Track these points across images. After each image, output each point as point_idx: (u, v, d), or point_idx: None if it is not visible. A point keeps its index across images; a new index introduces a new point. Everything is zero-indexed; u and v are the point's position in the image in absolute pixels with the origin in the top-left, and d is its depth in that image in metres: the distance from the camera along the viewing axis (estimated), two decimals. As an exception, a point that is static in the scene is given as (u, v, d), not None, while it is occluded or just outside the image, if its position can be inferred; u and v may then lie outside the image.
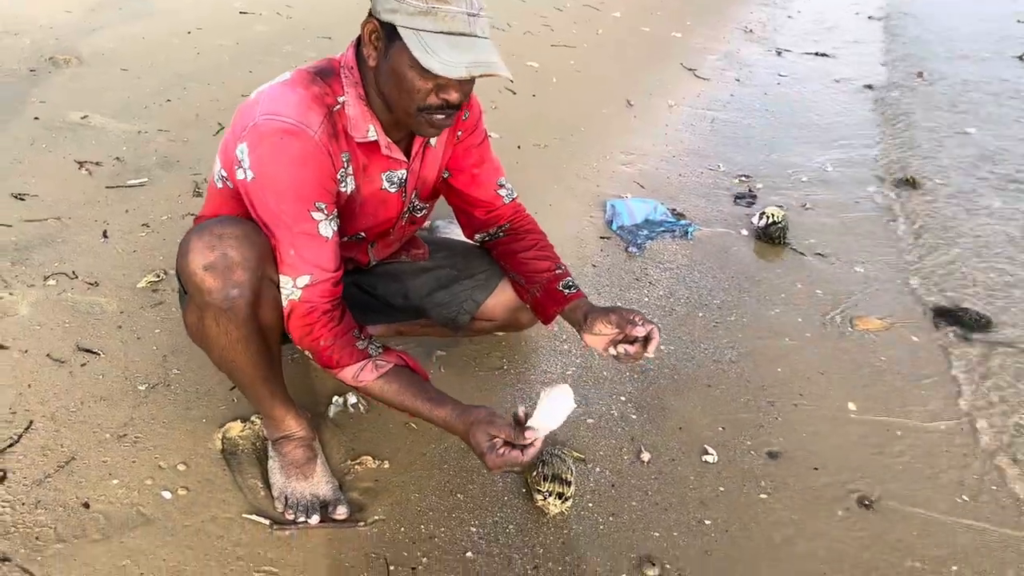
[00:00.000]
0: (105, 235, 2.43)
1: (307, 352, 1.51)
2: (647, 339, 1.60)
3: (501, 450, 1.38)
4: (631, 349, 1.61)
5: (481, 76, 1.37)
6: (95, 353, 1.98)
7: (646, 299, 2.63)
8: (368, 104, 1.50)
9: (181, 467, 1.71)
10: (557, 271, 1.80)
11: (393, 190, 1.65)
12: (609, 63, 5.17)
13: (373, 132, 1.52)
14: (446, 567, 1.60)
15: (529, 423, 1.40)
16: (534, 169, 3.42)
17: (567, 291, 1.76)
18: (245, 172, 1.43)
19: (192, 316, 1.47)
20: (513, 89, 4.22)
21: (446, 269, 1.90)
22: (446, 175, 1.78)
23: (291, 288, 1.45)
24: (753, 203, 3.48)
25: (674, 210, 3.27)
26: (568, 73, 4.78)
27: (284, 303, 1.47)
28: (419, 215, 1.80)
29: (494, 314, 1.92)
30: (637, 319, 1.61)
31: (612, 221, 3.08)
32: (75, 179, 2.74)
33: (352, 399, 1.95)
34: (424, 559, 1.61)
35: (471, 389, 2.09)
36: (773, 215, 3.16)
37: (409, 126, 1.51)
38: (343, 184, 1.53)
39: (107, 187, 2.71)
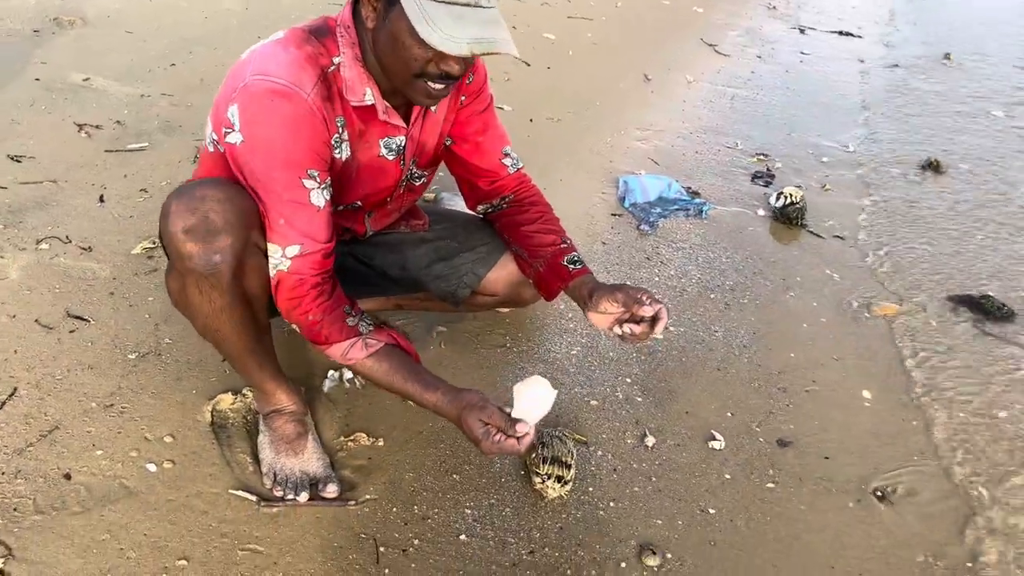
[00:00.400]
0: (101, 199, 2.37)
1: (295, 326, 1.44)
2: (654, 319, 1.52)
3: (497, 436, 1.32)
4: (637, 329, 1.54)
5: (484, 55, 1.29)
6: (85, 320, 1.92)
7: (657, 279, 2.54)
8: (365, 66, 1.42)
9: (168, 439, 1.66)
10: (562, 245, 1.73)
11: (391, 157, 1.57)
12: (627, 36, 5.04)
13: (370, 95, 1.44)
14: (438, 549, 1.54)
15: (515, 415, 1.35)
16: (546, 143, 3.32)
17: (572, 266, 1.69)
18: (235, 135, 1.36)
19: (174, 282, 1.40)
20: (527, 61, 4.11)
21: (446, 241, 1.83)
22: (448, 143, 1.70)
23: (280, 258, 1.38)
24: (771, 183, 3.38)
25: (689, 188, 3.17)
26: (585, 46, 4.66)
27: (272, 273, 1.40)
28: (418, 183, 1.72)
29: (495, 289, 1.84)
30: (644, 298, 1.53)
31: (624, 198, 2.99)
32: (74, 142, 2.67)
33: (348, 374, 1.89)
34: (416, 540, 1.55)
35: (472, 367, 2.03)
36: (791, 195, 3.06)
37: (405, 93, 1.43)
38: (337, 150, 1.45)
39: (106, 151, 2.65)
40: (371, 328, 1.45)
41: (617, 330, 1.57)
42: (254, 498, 1.57)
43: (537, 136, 3.37)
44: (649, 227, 2.82)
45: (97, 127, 2.78)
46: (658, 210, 2.94)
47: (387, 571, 1.48)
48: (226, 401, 1.77)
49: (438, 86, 1.36)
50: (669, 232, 2.84)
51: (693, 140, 3.70)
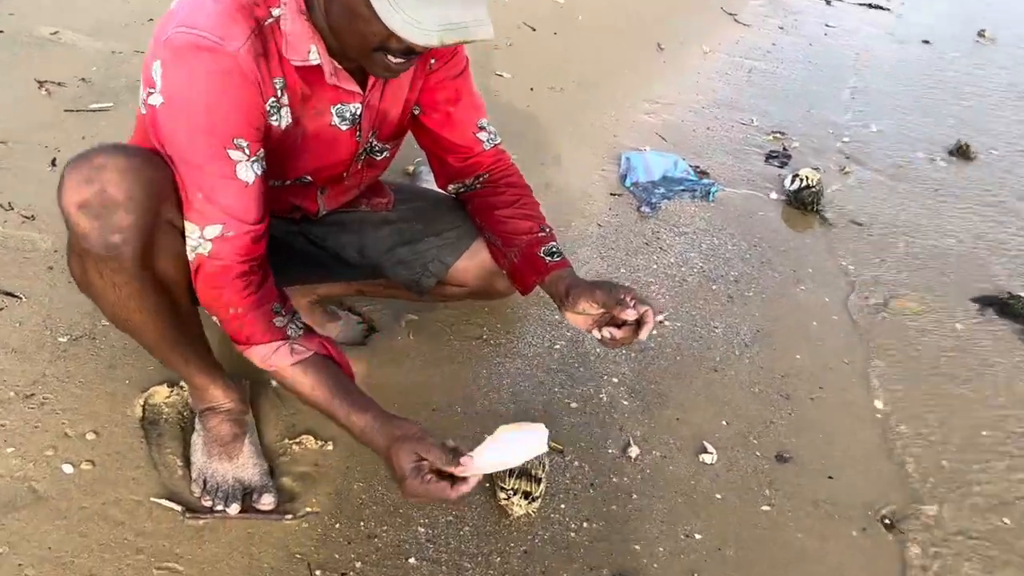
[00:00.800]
0: (53, 163, 2.19)
1: (214, 319, 1.25)
2: (639, 322, 1.33)
3: (428, 476, 1.13)
4: (618, 333, 1.34)
5: (456, 44, 1.09)
6: (16, 296, 1.74)
7: (654, 266, 2.34)
8: (311, 20, 1.21)
9: (90, 436, 1.48)
10: (540, 234, 1.52)
11: (345, 127, 1.37)
12: (642, 2, 4.76)
13: (315, 54, 1.23)
14: (382, 574, 1.36)
15: (472, 453, 1.14)
16: (546, 114, 3.10)
17: (549, 259, 1.48)
18: (156, 96, 1.16)
19: (75, 264, 1.21)
20: (533, 25, 3.86)
21: (411, 223, 1.62)
22: (416, 111, 1.50)
23: (198, 239, 1.19)
24: (786, 163, 3.14)
25: (697, 167, 2.95)
26: (596, 11, 4.39)
27: (191, 256, 1.20)
28: (379, 158, 1.52)
29: (464, 279, 1.64)
30: (628, 298, 1.33)
31: (626, 176, 2.77)
32: (32, 100, 2.48)
33: (301, 366, 1.71)
34: (358, 563, 1.37)
35: (443, 359, 1.84)
36: (807, 178, 2.83)
37: (360, 63, 1.23)
38: (275, 117, 1.25)
39: (66, 110, 2.46)
40: (301, 332, 1.27)
41: (596, 333, 1.38)
42: (179, 508, 1.39)
43: (536, 107, 3.14)
44: (650, 209, 2.61)
45: (60, 84, 2.58)
46: (661, 190, 2.72)
47: (322, 598, 1.32)
48: (161, 394, 1.59)
49: (399, 60, 1.16)
50: (672, 215, 2.62)
51: (705, 115, 3.46)
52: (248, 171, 1.19)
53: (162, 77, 1.15)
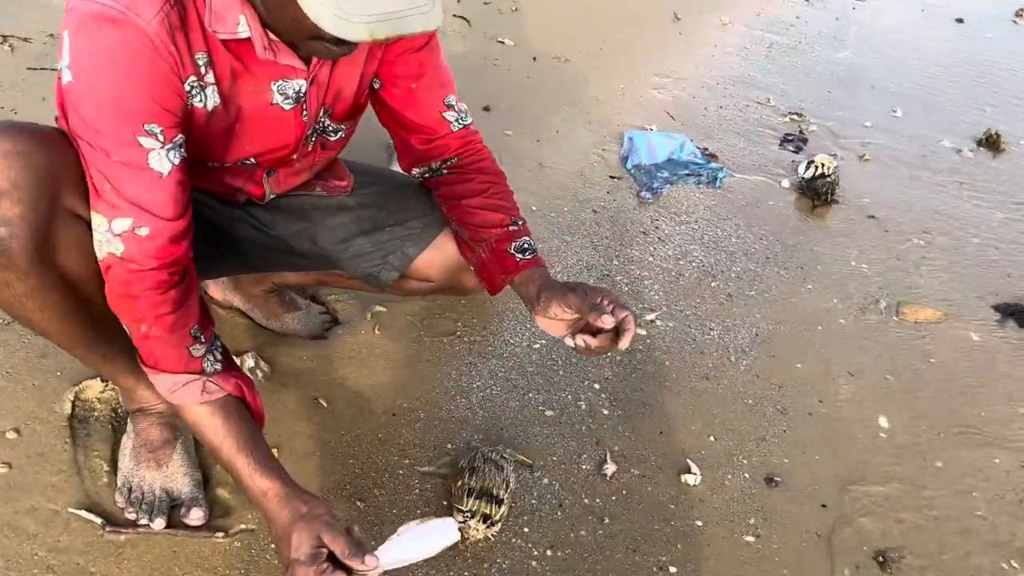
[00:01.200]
0: (8, 126, 2.04)
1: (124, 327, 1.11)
2: (618, 330, 1.17)
3: (324, 566, 1.00)
4: (593, 342, 1.19)
5: (390, 38, 0.93)
6: (-53, 274, 1.61)
7: (650, 258, 2.17)
8: None
9: (11, 435, 1.36)
10: (511, 227, 1.36)
11: (288, 107, 1.20)
12: (660, -31, 4.51)
13: (244, 26, 1.06)
14: (319, 604, 1.24)
15: (379, 551, 1.03)
16: (547, 87, 2.91)
17: (520, 256, 1.33)
18: (65, 71, 1.01)
19: (-36, 258, 1.07)
20: (541, -10, 3.65)
21: (372, 210, 1.46)
22: (376, 84, 1.33)
23: (106, 234, 1.04)
24: (802, 148, 2.94)
25: (705, 150, 2.76)
26: (610, -23, 4.16)
27: (100, 254, 1.06)
28: (334, 138, 1.35)
29: (429, 273, 1.49)
30: (606, 302, 1.18)
31: (628, 158, 2.59)
32: (-7, 55, 2.33)
33: (250, 362, 1.57)
34: (293, 590, 1.25)
35: (411, 358, 1.70)
36: (823, 165, 2.63)
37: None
38: (197, 98, 1.09)
39: (29, 68, 2.31)
40: (219, 366, 1.13)
41: (570, 341, 1.22)
42: (99, 520, 1.27)
43: (538, 78, 2.95)
44: (651, 194, 2.44)
45: (25, 40, 2.42)
46: (664, 174, 2.54)
47: (247, 630, 1.19)
48: (94, 388, 1.46)
49: (337, 48, 1.01)
50: (673, 202, 2.44)
51: (719, 92, 3.25)
52: (162, 160, 1.04)
53: (69, 51, 1.00)
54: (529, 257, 1.33)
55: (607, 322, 1.16)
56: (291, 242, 1.46)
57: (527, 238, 1.36)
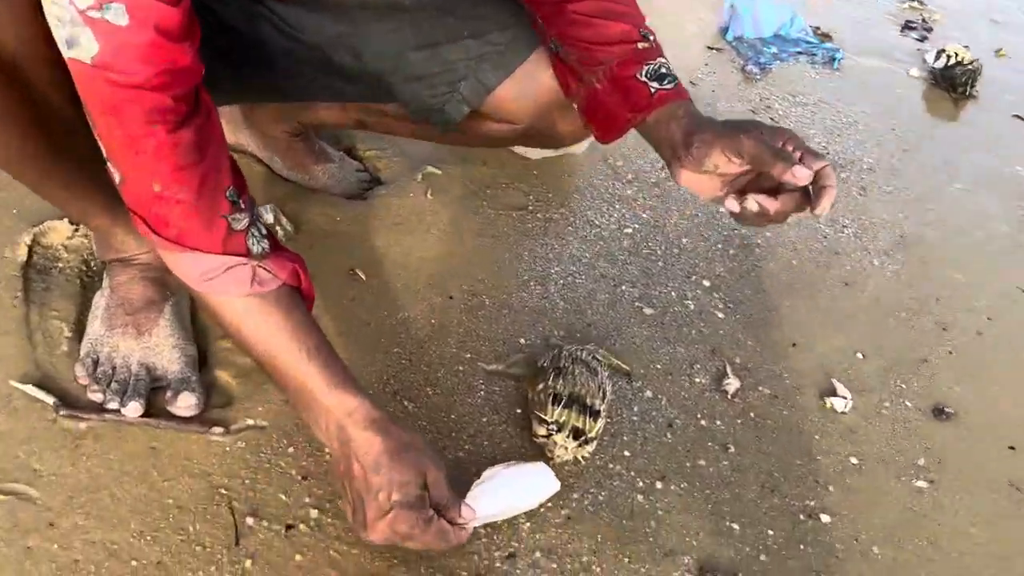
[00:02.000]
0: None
1: (115, 181, 0.75)
2: (813, 187, 0.79)
3: (430, 513, 0.80)
4: (773, 204, 0.80)
5: None
6: None
7: (762, 141, 1.76)
8: None
9: (-57, 284, 1.01)
10: (640, 45, 0.96)
11: None
12: None
13: None
14: (347, 529, 0.89)
15: (470, 499, 0.85)
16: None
17: (656, 85, 0.93)
18: None
19: None
20: None
21: (432, 13, 1.05)
22: None
23: (72, 16, 0.64)
24: (926, 38, 2.48)
25: (817, 28, 2.31)
26: None
27: (61, 46, 0.66)
28: None
29: (514, 112, 1.08)
30: (793, 148, 0.80)
31: (729, 28, 2.16)
32: None
33: (268, 216, 1.20)
34: (314, 511, 0.90)
35: (470, 232, 1.32)
36: (957, 54, 2.20)
37: None
38: None
39: None
40: (265, 246, 0.79)
41: (732, 204, 0.83)
42: (51, 400, 0.92)
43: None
44: (758, 69, 2.01)
45: None
46: (773, 49, 2.11)
47: (249, 564, 0.84)
48: (59, 232, 1.10)
49: None
50: (784, 79, 2.01)
51: (830, -31, 2.77)
52: None
53: None
54: (669, 87, 0.94)
55: (800, 176, 0.76)
56: (328, 53, 1.05)
57: (663, 59, 0.97)
